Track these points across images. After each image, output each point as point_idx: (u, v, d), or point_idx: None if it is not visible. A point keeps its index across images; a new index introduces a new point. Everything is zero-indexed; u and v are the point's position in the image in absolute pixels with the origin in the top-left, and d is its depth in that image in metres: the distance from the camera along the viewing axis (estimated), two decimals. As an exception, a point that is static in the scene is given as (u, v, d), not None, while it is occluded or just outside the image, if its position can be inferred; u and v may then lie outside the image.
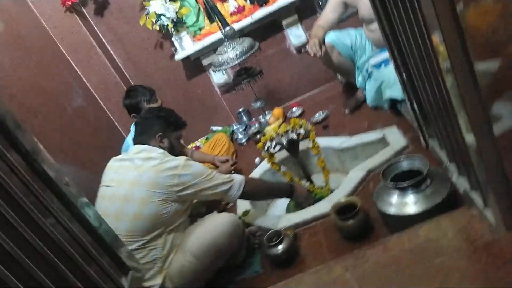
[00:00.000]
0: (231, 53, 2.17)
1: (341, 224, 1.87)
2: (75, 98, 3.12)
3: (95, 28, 3.38)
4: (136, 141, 2.00)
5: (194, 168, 1.85)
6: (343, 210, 1.90)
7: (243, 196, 1.97)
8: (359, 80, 2.90)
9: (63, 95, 3.03)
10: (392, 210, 1.76)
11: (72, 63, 3.37)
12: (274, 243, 1.91)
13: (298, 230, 2.10)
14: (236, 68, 2.48)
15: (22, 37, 2.89)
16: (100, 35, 3.41)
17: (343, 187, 2.25)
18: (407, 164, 1.89)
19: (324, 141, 2.76)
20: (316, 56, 2.63)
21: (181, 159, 1.84)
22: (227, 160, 2.83)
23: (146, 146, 1.93)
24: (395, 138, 2.35)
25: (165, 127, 2.03)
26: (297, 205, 2.35)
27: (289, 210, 2.45)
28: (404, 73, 1.45)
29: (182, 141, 3.58)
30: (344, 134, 2.75)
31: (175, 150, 2.03)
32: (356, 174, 2.28)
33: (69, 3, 3.11)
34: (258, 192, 2.07)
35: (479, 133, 0.97)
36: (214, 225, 1.89)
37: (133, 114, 2.64)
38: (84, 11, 3.33)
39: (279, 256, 1.91)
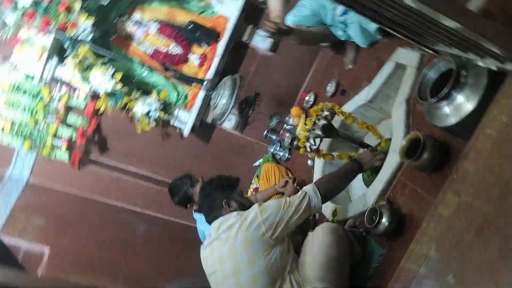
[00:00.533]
0: (222, 100, 2.21)
1: (418, 164, 1.81)
2: (137, 228, 3.24)
3: (109, 162, 3.54)
4: (209, 221, 2.04)
5: (270, 207, 1.86)
6: (412, 149, 1.84)
7: (323, 199, 1.94)
8: (340, 34, 2.86)
9: (131, 234, 3.16)
10: (452, 120, 1.70)
11: (113, 203, 3.52)
12: (376, 221, 1.87)
13: (387, 195, 2.05)
14: (236, 107, 2.52)
15: (62, 217, 3.07)
16: (117, 164, 3.56)
17: (396, 129, 2.19)
18: (434, 72, 1.83)
19: (351, 105, 2.72)
20: (276, 32, 2.58)
21: (254, 208, 1.87)
22: (287, 181, 2.82)
23: (220, 218, 1.96)
24: (407, 57, 2.29)
25: (224, 193, 2.06)
26: (373, 171, 2.29)
27: (366, 182, 2.40)
28: (364, 11, 1.41)
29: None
30: (363, 86, 2.70)
31: (245, 204, 2.05)
32: (398, 112, 2.22)
33: (77, 159, 3.29)
34: (333, 186, 2.02)
35: (460, 18, 0.93)
36: (317, 244, 1.87)
37: (189, 205, 2.70)
38: (91, 156, 3.50)
39: (388, 228, 1.87)
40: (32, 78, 2.98)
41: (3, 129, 3.07)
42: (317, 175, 2.78)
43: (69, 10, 2.78)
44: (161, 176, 3.62)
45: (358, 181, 2.58)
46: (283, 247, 1.85)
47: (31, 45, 2.82)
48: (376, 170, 2.26)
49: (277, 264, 1.80)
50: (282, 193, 2.85)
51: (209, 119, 3.43)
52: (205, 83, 2.13)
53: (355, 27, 2.68)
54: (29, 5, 2.68)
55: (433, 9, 0.93)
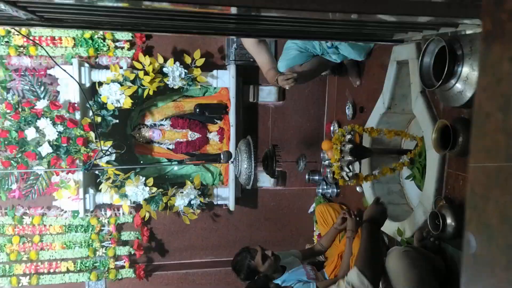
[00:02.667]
0: (243, 165, 2.21)
1: (458, 150, 1.69)
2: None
3: (173, 261, 3.58)
4: None
5: None
6: (446, 138, 1.73)
7: (374, 280, 1.64)
8: (334, 58, 2.86)
9: None
10: (468, 94, 1.60)
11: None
12: (441, 224, 1.73)
13: (443, 194, 1.91)
14: (260, 165, 2.52)
15: None
16: (180, 261, 3.59)
17: (423, 124, 2.09)
18: (428, 56, 1.76)
19: (374, 118, 2.65)
20: (293, 82, 2.61)
21: None
22: (344, 218, 2.71)
23: None
24: (405, 51, 2.23)
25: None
26: (421, 174, 2.16)
27: (420, 187, 2.26)
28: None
29: (307, 245, 3.51)
30: (377, 96, 2.64)
31: None
32: (418, 107, 2.13)
33: (142, 271, 3.35)
34: (372, 259, 1.70)
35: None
36: (393, 277, 1.73)
37: (256, 277, 2.63)
38: (154, 262, 3.56)
39: (456, 228, 1.71)
40: (78, 213, 3.14)
41: (67, 269, 3.21)
42: (369, 198, 2.66)
43: (87, 142, 2.97)
44: (225, 257, 3.59)
45: (414, 189, 2.45)
46: None
47: (66, 186, 3.00)
48: (423, 173, 2.14)
49: None
50: (345, 230, 2.73)
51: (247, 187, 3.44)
52: (222, 156, 2.15)
53: (345, 46, 2.68)
54: (51, 151, 2.89)
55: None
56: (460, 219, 1.71)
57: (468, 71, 1.57)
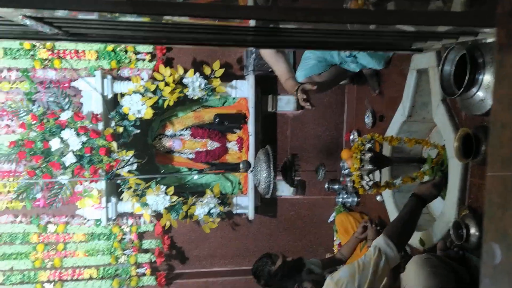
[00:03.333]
0: (262, 174, 2.22)
1: (480, 159, 1.67)
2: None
3: (193, 270, 3.60)
4: None
5: (343, 276, 1.71)
6: (468, 147, 1.71)
7: (399, 248, 1.73)
8: (353, 67, 2.85)
9: None
10: (490, 102, 1.58)
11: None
12: (465, 234, 1.70)
13: (466, 203, 1.87)
14: (279, 174, 2.52)
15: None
16: (200, 270, 3.61)
17: (444, 133, 2.07)
18: (449, 64, 1.75)
19: (394, 127, 2.63)
20: (310, 106, 2.62)
21: (328, 284, 1.75)
22: (365, 227, 2.68)
23: None
24: (424, 60, 2.21)
25: (292, 279, 2.01)
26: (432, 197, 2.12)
27: (443, 196, 2.22)
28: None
29: (328, 255, 3.48)
30: (397, 105, 2.62)
31: (319, 279, 1.96)
32: (439, 115, 2.10)
33: (163, 279, 3.37)
34: (403, 231, 1.80)
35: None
36: (413, 284, 1.71)
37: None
38: (175, 271, 3.59)
39: (481, 237, 1.68)
40: (100, 221, 3.20)
41: (90, 276, 3.27)
42: (390, 208, 2.63)
43: (109, 151, 3.04)
44: (245, 265, 3.59)
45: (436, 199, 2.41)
46: None
47: (89, 195, 3.07)
48: (445, 182, 2.10)
49: None
50: (366, 239, 2.70)
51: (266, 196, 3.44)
52: (242, 165, 2.17)
53: (364, 55, 2.67)
54: (75, 161, 2.96)
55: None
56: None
57: (490, 79, 1.56)
